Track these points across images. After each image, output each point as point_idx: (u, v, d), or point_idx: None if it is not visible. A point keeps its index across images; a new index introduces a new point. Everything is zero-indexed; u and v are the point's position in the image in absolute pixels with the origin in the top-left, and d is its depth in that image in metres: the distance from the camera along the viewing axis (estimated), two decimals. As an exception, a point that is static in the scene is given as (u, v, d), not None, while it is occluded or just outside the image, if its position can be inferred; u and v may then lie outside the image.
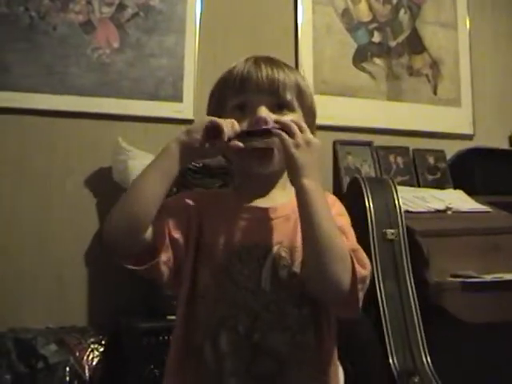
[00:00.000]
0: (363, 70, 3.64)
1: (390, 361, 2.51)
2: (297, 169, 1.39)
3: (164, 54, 3.26)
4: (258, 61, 1.54)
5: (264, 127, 1.45)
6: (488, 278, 2.67)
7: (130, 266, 1.43)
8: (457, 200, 3.18)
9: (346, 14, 3.64)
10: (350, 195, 3.00)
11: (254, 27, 3.47)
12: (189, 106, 3.24)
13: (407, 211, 2.90)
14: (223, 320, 1.43)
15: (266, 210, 1.50)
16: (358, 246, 1.47)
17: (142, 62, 3.23)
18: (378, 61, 3.69)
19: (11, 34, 3.05)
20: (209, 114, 1.59)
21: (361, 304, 1.41)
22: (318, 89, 3.43)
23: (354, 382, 2.52)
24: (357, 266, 1.39)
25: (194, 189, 2.78)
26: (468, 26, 3.91)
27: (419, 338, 2.56)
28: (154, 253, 1.43)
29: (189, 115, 3.22)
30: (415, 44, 3.80)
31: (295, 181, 1.40)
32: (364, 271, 1.41)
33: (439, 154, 3.66)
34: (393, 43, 3.74)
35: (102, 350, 2.72)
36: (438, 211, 3.04)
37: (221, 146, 1.43)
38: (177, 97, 3.25)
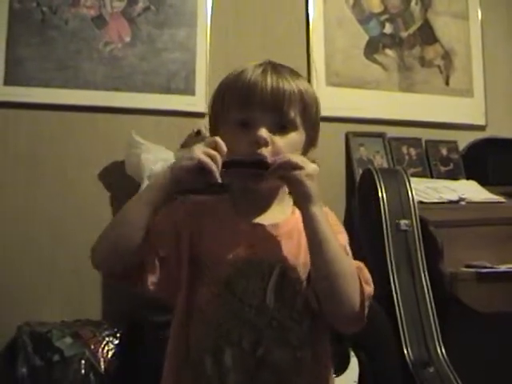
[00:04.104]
0: (375, 61, 3.63)
1: (405, 351, 2.52)
2: (309, 198, 1.40)
3: (176, 48, 3.26)
4: (264, 71, 1.50)
5: (262, 159, 1.43)
6: (502, 268, 2.67)
7: (119, 284, 1.47)
8: (470, 190, 3.17)
9: (357, 6, 3.63)
10: (362, 187, 3.00)
11: (265, 20, 3.47)
12: (201, 99, 3.24)
13: (420, 202, 2.90)
14: (226, 335, 1.43)
15: (268, 227, 1.50)
16: (360, 264, 1.49)
17: (154, 56, 3.23)
18: (389, 52, 3.68)
19: (24, 29, 3.06)
20: (211, 117, 1.59)
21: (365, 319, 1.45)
22: (329, 81, 3.43)
23: (369, 373, 2.53)
24: (363, 284, 1.43)
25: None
26: (480, 16, 3.89)
27: (434, 329, 2.56)
28: (142, 273, 1.45)
29: (201, 108, 3.22)
30: (427, 35, 3.78)
31: (305, 209, 1.41)
32: (369, 288, 1.45)
33: (452, 145, 3.66)
34: (404, 34, 3.72)
35: (116, 342, 2.74)
36: (451, 202, 3.04)
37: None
38: (189, 90, 3.25)
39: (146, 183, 2.86)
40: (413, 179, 2.91)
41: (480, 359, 2.54)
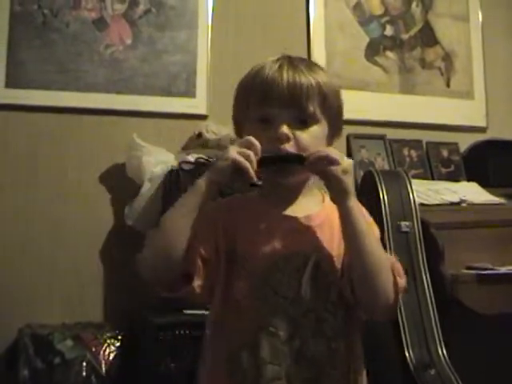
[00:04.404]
0: (376, 63, 3.64)
1: (406, 353, 2.51)
2: (346, 193, 1.43)
3: (176, 50, 3.26)
4: (281, 67, 1.51)
5: (297, 153, 1.45)
6: (503, 269, 2.67)
7: (165, 293, 1.47)
8: (471, 192, 3.17)
9: (357, 8, 3.63)
10: (363, 188, 3.00)
11: (266, 22, 3.47)
12: (202, 101, 3.24)
13: (421, 204, 2.89)
14: (263, 327, 1.45)
15: (301, 219, 1.52)
16: (392, 258, 1.53)
17: (155, 58, 3.23)
18: (390, 54, 3.68)
19: (25, 31, 3.07)
20: (234, 117, 1.61)
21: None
22: (330, 83, 3.43)
23: (370, 375, 2.52)
24: (397, 276, 1.47)
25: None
26: (480, 18, 3.89)
27: (435, 331, 2.56)
28: (188, 278, 1.45)
29: (202, 111, 3.24)
30: (428, 37, 3.78)
31: (342, 204, 1.44)
32: (402, 281, 1.49)
33: (453, 147, 3.66)
34: (405, 36, 3.72)
35: (118, 345, 2.74)
36: (452, 204, 3.04)
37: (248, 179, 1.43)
38: (190, 92, 3.26)
39: (146, 185, 2.87)
40: (414, 181, 2.90)
41: (481, 361, 2.54)
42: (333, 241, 1.51)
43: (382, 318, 1.57)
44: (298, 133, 1.47)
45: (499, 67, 3.92)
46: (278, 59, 1.54)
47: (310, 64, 1.56)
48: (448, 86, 3.78)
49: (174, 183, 2.78)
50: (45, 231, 3.00)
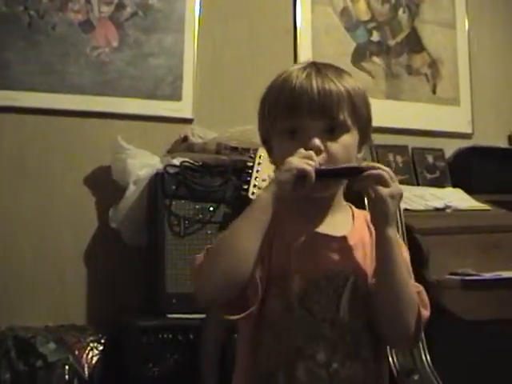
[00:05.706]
0: (362, 69, 3.64)
1: (390, 359, 2.51)
2: (386, 219, 1.39)
3: (163, 53, 3.26)
4: (309, 75, 1.46)
5: (355, 166, 1.42)
6: (487, 275, 2.67)
7: (226, 317, 1.38)
8: (456, 198, 3.18)
9: (344, 13, 3.64)
10: (348, 194, 3.00)
11: (252, 26, 3.47)
12: (188, 104, 3.24)
13: (406, 209, 2.89)
14: (300, 349, 1.40)
15: (337, 239, 1.47)
16: (420, 287, 1.48)
17: (141, 61, 3.23)
18: (376, 60, 3.69)
19: (10, 33, 3.05)
20: (261, 132, 1.56)
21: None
22: (316, 88, 3.43)
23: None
24: (421, 308, 1.43)
25: (193, 187, 2.79)
26: (467, 25, 3.91)
27: (418, 336, 2.56)
28: (245, 299, 1.38)
29: (188, 114, 3.23)
30: (414, 43, 3.80)
31: (381, 229, 1.40)
32: (426, 312, 1.45)
33: (438, 153, 3.66)
34: (392, 42, 3.73)
35: (101, 348, 2.72)
36: (437, 209, 3.04)
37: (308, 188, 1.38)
38: (175, 96, 3.25)
39: (131, 188, 2.86)
40: (399, 186, 2.90)
41: (465, 367, 2.54)
42: (366, 260, 1.46)
43: (400, 347, 1.53)
44: (329, 144, 1.43)
45: (485, 74, 3.94)
46: (304, 67, 1.49)
47: (337, 70, 1.51)
48: (434, 92, 3.79)
49: (159, 186, 2.78)
50: (29, 233, 2.98)
